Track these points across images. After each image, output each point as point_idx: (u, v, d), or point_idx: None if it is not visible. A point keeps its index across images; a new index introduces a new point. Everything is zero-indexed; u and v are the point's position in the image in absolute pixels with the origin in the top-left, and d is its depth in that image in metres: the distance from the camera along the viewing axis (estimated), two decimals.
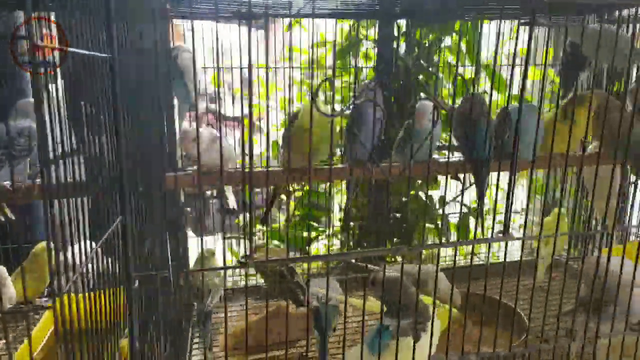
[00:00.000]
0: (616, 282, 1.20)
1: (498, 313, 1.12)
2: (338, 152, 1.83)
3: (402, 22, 2.48)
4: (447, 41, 2.63)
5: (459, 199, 2.88)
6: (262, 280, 1.97)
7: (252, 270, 1.95)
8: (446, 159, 1.49)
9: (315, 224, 2.68)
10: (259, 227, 2.54)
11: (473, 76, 2.55)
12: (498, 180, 1.20)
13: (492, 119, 1.55)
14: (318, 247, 2.74)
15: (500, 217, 1.03)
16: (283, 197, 2.21)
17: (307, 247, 2.53)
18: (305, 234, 2.38)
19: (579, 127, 1.45)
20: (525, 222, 2.23)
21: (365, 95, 1.33)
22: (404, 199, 2.56)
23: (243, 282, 2.06)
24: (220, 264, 1.86)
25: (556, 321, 1.18)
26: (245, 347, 1.43)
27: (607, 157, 1.54)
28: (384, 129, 1.43)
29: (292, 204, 2.56)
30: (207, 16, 1.62)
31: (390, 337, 1.04)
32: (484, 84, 2.75)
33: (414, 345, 0.93)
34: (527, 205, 1.20)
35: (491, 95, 1.53)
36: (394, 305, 1.12)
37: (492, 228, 1.14)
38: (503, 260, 1.10)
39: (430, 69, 2.46)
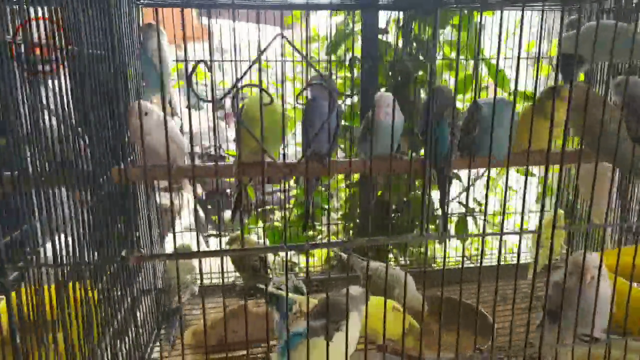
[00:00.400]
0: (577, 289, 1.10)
1: (459, 315, 1.06)
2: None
3: (399, 16, 2.41)
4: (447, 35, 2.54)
5: (459, 198, 2.79)
6: (232, 280, 1.98)
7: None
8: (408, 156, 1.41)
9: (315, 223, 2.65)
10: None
11: (471, 71, 2.45)
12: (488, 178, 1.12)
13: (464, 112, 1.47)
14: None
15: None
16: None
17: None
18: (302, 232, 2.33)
19: (559, 123, 1.36)
20: (522, 219, 2.12)
21: (315, 89, 1.28)
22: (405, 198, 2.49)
23: (215, 280, 2.04)
24: (195, 262, 1.85)
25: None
26: (205, 345, 1.41)
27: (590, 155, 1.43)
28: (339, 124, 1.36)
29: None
30: (176, 3, 1.61)
31: (300, 338, 1.01)
32: (486, 80, 2.63)
33: (327, 344, 0.89)
34: (523, 206, 1.11)
35: (495, 91, 1.42)
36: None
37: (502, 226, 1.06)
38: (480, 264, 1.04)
39: (428, 64, 2.37)
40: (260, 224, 2.55)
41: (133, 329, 1.33)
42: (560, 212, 1.97)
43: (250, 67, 0.76)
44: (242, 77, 0.76)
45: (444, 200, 1.34)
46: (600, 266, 1.08)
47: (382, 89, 2.32)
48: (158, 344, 1.58)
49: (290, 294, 1.32)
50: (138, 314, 1.54)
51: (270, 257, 2.01)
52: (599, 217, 1.85)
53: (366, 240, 0.95)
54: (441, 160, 1.31)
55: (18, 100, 0.88)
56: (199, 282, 1.88)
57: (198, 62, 0.82)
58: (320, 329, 1.01)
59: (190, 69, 0.80)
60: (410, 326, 1.28)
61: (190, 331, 1.55)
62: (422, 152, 1.63)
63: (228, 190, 3.51)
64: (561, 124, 1.40)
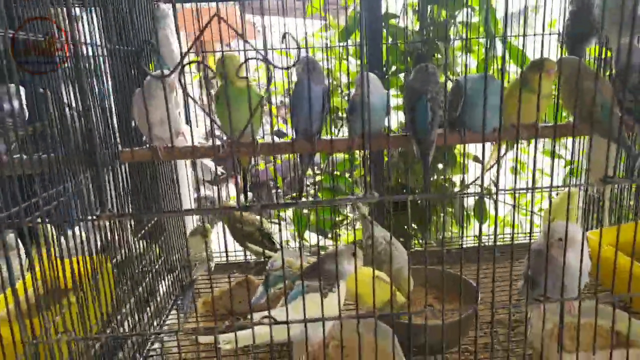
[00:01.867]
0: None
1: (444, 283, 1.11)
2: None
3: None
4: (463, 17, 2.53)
5: (478, 181, 2.76)
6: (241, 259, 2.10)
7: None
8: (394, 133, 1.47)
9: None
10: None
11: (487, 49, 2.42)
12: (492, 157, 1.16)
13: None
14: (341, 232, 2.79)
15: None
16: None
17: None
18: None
19: (545, 96, 1.36)
20: (533, 197, 2.11)
21: (302, 72, 1.36)
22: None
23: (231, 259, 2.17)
24: (214, 242, 2.00)
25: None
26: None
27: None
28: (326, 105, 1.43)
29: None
30: None
31: (300, 294, 1.09)
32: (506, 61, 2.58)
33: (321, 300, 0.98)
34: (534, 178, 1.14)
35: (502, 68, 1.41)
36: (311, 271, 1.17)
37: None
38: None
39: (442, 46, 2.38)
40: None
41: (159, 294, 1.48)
42: (574, 190, 1.93)
43: (191, 46, 0.85)
44: (187, 53, 0.86)
45: (427, 170, 1.39)
46: (566, 236, 1.09)
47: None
48: (175, 311, 1.73)
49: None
50: (159, 286, 1.72)
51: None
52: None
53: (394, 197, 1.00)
54: (420, 132, 1.35)
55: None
56: (215, 259, 2.03)
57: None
58: (317, 288, 1.09)
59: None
60: (396, 297, 1.34)
61: (200, 301, 1.68)
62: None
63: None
64: (548, 97, 1.40)
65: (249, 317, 0.99)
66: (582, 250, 0.96)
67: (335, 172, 2.73)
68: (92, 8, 1.31)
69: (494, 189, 1.05)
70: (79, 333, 1.05)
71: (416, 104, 1.36)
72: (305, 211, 2.67)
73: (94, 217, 0.86)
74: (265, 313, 0.92)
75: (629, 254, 1.26)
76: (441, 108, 1.39)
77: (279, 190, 3.19)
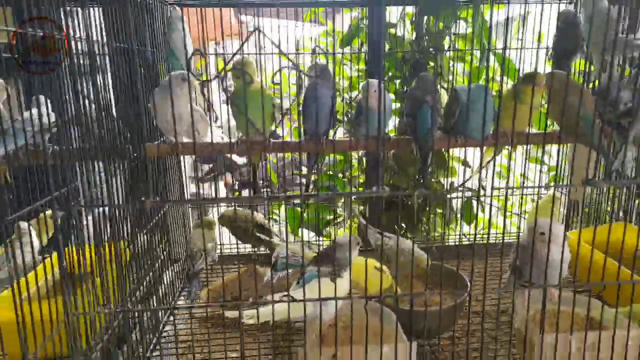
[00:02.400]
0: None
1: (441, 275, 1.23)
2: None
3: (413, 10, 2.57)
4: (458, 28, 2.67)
5: (467, 184, 2.91)
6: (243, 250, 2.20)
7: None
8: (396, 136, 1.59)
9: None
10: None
11: (479, 62, 2.57)
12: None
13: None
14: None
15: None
16: None
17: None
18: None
19: (535, 107, 1.49)
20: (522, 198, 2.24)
21: (314, 76, 1.47)
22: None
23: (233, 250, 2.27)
24: (216, 233, 2.10)
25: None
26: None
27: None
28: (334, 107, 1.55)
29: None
30: (200, 3, 1.83)
31: (314, 277, 1.21)
32: (495, 71, 2.74)
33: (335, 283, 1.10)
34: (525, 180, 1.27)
35: (501, 79, 1.54)
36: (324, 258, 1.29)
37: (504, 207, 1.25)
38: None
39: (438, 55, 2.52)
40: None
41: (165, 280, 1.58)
42: (557, 194, 2.09)
43: (233, 55, 0.97)
44: (229, 61, 0.97)
45: (425, 172, 1.51)
46: (550, 231, 1.22)
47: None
48: (182, 298, 1.83)
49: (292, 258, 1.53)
50: (166, 275, 1.81)
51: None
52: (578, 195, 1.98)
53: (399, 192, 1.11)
54: (421, 138, 1.48)
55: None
56: (218, 250, 2.13)
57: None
58: (328, 273, 1.21)
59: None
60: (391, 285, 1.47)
61: (206, 289, 1.79)
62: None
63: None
64: (537, 108, 1.54)
65: (267, 297, 1.10)
66: (563, 244, 1.10)
67: (329, 172, 2.85)
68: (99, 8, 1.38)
69: (482, 191, 1.17)
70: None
71: (418, 112, 1.48)
72: (298, 209, 2.79)
73: (141, 201, 0.96)
74: (284, 293, 1.04)
75: (603, 252, 1.41)
76: (440, 115, 1.52)
77: (274, 187, 3.29)
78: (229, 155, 2.98)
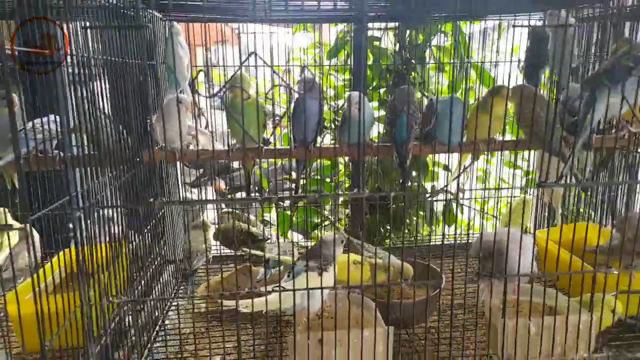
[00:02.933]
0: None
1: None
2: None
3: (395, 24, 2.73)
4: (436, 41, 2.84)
5: (448, 187, 3.06)
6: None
7: None
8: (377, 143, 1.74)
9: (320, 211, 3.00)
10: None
11: (459, 74, 2.74)
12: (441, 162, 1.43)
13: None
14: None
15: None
16: None
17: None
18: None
19: (498, 117, 1.65)
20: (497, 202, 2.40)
21: (301, 89, 1.61)
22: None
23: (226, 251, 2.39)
24: (210, 235, 2.22)
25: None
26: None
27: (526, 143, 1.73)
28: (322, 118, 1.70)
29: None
30: (201, 19, 1.96)
31: (303, 271, 1.34)
32: (475, 82, 2.90)
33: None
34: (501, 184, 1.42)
35: (478, 90, 1.69)
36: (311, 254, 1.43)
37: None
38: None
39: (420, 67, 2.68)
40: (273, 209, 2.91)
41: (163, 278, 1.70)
42: (529, 197, 2.25)
43: (238, 69, 1.10)
44: (231, 78, 1.10)
45: (405, 173, 1.66)
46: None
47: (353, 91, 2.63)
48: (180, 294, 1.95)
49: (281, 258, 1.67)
50: (164, 274, 1.93)
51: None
52: (554, 199, 2.14)
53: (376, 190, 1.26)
54: (399, 145, 1.62)
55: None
56: (213, 251, 2.25)
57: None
58: (315, 267, 1.34)
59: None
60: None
61: (202, 286, 1.91)
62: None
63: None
64: (501, 118, 1.70)
65: (261, 289, 1.23)
66: (520, 244, 1.24)
67: (316, 177, 2.99)
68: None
69: (459, 194, 1.31)
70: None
71: (396, 120, 1.63)
72: (288, 212, 2.92)
73: (150, 201, 1.09)
74: (277, 285, 1.17)
75: (568, 249, 1.57)
76: (417, 124, 1.67)
77: (266, 191, 3.41)
78: (221, 161, 3.11)
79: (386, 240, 2.80)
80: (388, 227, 2.89)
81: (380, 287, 1.55)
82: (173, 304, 1.88)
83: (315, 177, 3.02)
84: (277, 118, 1.73)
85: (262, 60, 1.13)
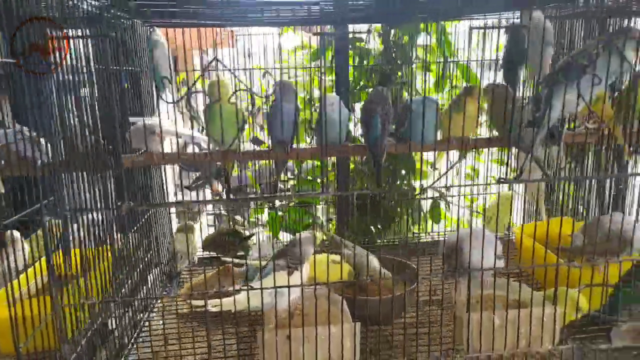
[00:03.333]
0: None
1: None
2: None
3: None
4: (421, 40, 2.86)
5: (436, 185, 3.08)
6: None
7: None
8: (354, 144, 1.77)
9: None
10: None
11: (443, 72, 2.77)
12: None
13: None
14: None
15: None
16: None
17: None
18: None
19: (471, 116, 1.67)
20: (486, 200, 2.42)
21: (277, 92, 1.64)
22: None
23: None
24: (197, 239, 2.26)
25: None
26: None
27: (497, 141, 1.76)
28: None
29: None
30: (182, 24, 1.99)
31: (271, 271, 1.37)
32: (461, 81, 2.92)
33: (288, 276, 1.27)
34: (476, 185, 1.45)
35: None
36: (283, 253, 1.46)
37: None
38: None
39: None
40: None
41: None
42: (508, 193, 2.27)
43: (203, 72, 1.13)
44: (195, 81, 1.14)
45: (379, 172, 1.69)
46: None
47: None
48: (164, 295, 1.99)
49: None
50: (150, 277, 1.97)
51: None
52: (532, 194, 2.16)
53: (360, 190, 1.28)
54: (373, 145, 1.65)
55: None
56: (198, 253, 2.29)
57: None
58: (284, 266, 1.37)
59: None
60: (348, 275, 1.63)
61: (186, 286, 1.94)
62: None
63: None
64: (474, 117, 1.72)
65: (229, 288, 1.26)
66: (482, 243, 1.27)
67: (306, 178, 3.02)
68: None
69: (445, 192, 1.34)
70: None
71: (370, 120, 1.66)
72: (280, 213, 2.95)
73: (115, 207, 1.12)
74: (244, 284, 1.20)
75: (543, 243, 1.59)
76: (392, 123, 1.70)
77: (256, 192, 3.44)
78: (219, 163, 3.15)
79: (377, 240, 2.83)
80: (379, 227, 2.92)
81: (349, 285, 1.58)
82: (157, 305, 1.92)
83: (307, 178, 3.05)
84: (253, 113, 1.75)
85: (223, 65, 1.16)
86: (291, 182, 3.26)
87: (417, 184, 2.96)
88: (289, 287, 1.23)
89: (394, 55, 2.83)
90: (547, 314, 1.26)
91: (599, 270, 1.38)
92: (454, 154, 2.18)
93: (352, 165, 2.75)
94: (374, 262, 1.76)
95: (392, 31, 2.82)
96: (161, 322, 1.72)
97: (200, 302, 1.26)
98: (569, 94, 1.24)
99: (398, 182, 2.93)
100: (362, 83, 2.89)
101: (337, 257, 1.63)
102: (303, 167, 3.09)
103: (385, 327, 1.59)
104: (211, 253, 2.29)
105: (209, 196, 3.97)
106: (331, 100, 1.67)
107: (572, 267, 1.25)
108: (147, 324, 1.75)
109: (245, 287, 1.20)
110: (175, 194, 3.30)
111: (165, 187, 2.20)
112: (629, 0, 1.54)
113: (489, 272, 1.37)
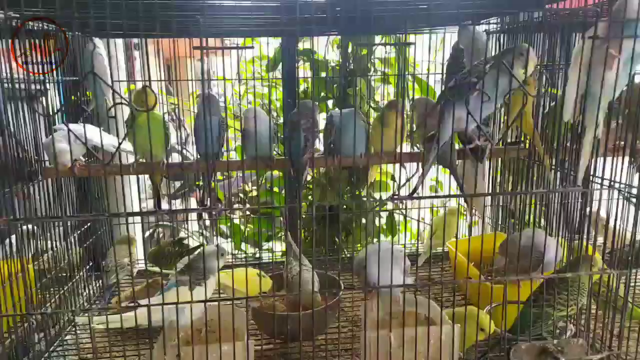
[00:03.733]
0: None
1: None
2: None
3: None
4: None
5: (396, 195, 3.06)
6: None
7: None
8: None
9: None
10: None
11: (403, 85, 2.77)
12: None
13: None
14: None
15: None
16: None
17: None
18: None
19: (393, 129, 1.67)
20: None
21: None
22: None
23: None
24: (139, 251, 2.24)
25: None
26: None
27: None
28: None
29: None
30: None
31: (174, 286, 1.35)
32: (420, 93, 2.92)
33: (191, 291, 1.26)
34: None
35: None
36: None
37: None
38: None
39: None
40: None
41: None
42: (454, 207, 2.26)
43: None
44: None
45: (300, 185, 1.67)
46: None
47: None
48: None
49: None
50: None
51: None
52: (479, 208, 2.15)
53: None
54: (295, 158, 1.64)
55: None
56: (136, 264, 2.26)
57: None
58: (187, 282, 1.35)
59: None
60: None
61: (115, 299, 1.93)
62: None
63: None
64: (397, 130, 1.71)
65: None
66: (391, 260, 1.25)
67: (265, 188, 3.00)
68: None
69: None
70: None
71: (293, 134, 1.65)
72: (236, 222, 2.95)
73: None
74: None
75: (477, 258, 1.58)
76: (316, 137, 1.69)
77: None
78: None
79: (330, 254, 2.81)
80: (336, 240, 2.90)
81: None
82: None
83: (267, 189, 3.04)
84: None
85: (102, 81, 1.16)
86: (253, 193, 3.26)
87: (377, 195, 2.95)
88: (191, 302, 1.21)
89: (352, 67, 2.84)
90: (445, 333, 1.24)
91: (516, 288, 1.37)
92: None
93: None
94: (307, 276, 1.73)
95: (349, 44, 2.83)
96: (83, 336, 1.70)
97: (85, 319, 1.24)
98: (457, 112, 1.23)
99: (358, 192, 2.92)
100: (323, 94, 2.89)
101: (257, 270, 1.62)
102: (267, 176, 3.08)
103: (306, 342, 1.57)
104: (154, 266, 2.27)
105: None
106: (250, 113, 1.65)
107: (487, 284, 1.23)
108: (68, 337, 1.73)
109: (144, 304, 1.18)
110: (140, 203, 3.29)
111: (124, 198, 2.17)
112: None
113: (399, 289, 1.35)
